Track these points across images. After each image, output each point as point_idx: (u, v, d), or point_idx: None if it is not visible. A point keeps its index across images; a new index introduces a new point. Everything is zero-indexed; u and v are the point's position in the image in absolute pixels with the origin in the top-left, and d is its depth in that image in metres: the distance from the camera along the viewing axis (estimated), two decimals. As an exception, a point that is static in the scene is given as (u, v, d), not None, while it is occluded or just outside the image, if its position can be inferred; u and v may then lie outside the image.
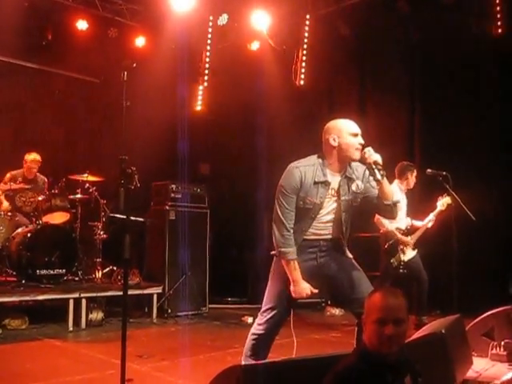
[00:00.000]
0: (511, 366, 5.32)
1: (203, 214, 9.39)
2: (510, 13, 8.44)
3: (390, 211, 4.59)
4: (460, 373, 4.68)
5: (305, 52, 10.62)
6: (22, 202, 8.73)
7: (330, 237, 4.54)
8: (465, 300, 6.40)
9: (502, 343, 5.51)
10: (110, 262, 9.13)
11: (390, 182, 7.52)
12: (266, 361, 3.99)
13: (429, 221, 7.56)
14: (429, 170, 6.90)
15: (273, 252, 4.53)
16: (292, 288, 4.36)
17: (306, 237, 4.48)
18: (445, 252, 6.81)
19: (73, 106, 11.31)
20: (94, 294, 7.87)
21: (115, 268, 8.97)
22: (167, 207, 8.98)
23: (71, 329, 7.49)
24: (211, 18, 10.89)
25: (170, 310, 8.64)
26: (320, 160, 4.52)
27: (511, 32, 8.42)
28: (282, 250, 4.40)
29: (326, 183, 4.46)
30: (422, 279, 7.50)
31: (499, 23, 8.49)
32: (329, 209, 4.51)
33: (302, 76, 10.62)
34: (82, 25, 10.51)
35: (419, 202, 8.00)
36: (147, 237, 9.40)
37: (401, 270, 7.39)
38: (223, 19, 10.59)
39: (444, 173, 6.81)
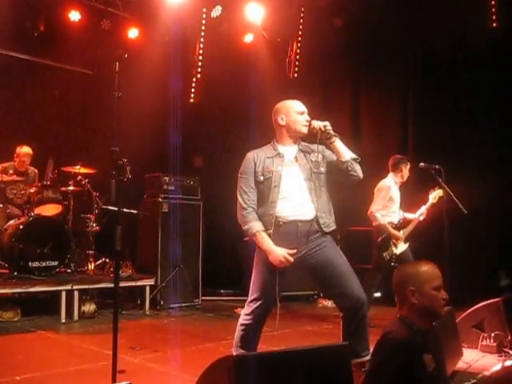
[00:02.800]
0: (501, 358, 5.38)
1: (196, 206, 9.39)
2: (505, 7, 8.45)
3: (350, 170, 4.59)
4: (450, 364, 4.73)
5: (299, 44, 10.62)
6: (13, 194, 8.72)
7: (306, 218, 4.51)
8: (456, 292, 6.43)
9: (492, 335, 5.59)
10: (102, 254, 9.14)
11: (384, 175, 7.63)
12: (258, 352, 4.01)
13: (420, 214, 7.58)
14: (421, 164, 6.92)
15: (245, 238, 4.62)
16: (269, 258, 4.40)
17: (279, 217, 4.47)
18: (436, 245, 6.85)
19: (65, 98, 11.27)
20: (86, 286, 7.87)
21: (108, 260, 8.98)
22: (160, 199, 8.98)
23: (64, 321, 7.48)
24: (205, 9, 10.86)
25: (162, 302, 8.65)
26: (272, 142, 4.78)
27: (507, 26, 8.43)
28: (245, 227, 4.52)
29: (279, 155, 4.65)
30: (413, 272, 7.52)
31: (494, 17, 8.49)
32: (291, 175, 4.58)
33: (296, 68, 10.63)
34: (74, 16, 10.45)
35: (412, 195, 8.01)
36: (140, 229, 9.40)
37: (392, 264, 7.40)
38: (217, 11, 10.57)
39: (437, 166, 6.84)
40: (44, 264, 8.02)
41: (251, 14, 10.40)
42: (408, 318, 3.29)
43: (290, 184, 4.54)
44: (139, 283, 8.57)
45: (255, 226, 4.49)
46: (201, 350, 6.14)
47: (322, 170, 4.67)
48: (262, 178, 4.56)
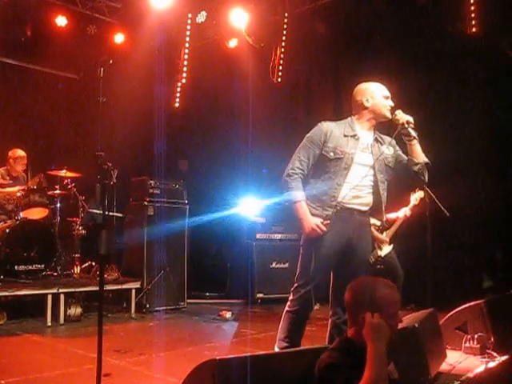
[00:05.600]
0: (484, 359, 5.43)
1: (182, 210, 9.41)
2: (484, 11, 8.54)
3: (419, 173, 4.61)
4: (434, 366, 4.79)
5: (283, 50, 10.68)
6: (5, 199, 8.67)
7: (365, 208, 4.57)
8: (439, 294, 6.51)
9: (475, 336, 5.63)
10: (88, 257, 9.14)
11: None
12: (242, 355, 4.09)
13: (402, 216, 7.62)
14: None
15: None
16: (303, 225, 4.44)
17: (341, 199, 4.46)
18: (419, 247, 6.91)
19: (51, 102, 11.27)
20: (72, 290, 7.86)
21: (94, 263, 8.98)
22: (145, 203, 8.98)
23: (49, 324, 7.46)
24: (190, 15, 10.91)
25: (148, 305, 8.65)
26: (349, 119, 4.69)
27: (486, 31, 8.53)
28: (286, 192, 4.52)
29: (355, 137, 4.57)
30: (398, 274, 7.56)
31: (473, 22, 8.59)
32: (362, 162, 4.54)
33: (280, 73, 10.69)
34: (61, 21, 10.49)
35: (393, 197, 8.06)
36: (126, 232, 9.41)
37: (378, 266, 7.44)
38: (202, 16, 10.62)
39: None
40: (30, 267, 8.02)
41: (235, 19, 10.45)
42: (353, 340, 3.07)
43: (360, 170, 4.52)
44: (125, 286, 8.57)
45: (297, 195, 4.49)
46: (186, 353, 6.14)
47: (391, 164, 4.70)
48: (332, 154, 4.51)
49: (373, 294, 3.06)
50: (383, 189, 4.62)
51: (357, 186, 4.49)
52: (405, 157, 4.71)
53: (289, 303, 4.63)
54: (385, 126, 4.82)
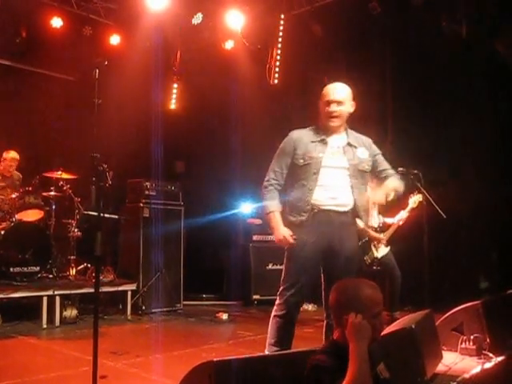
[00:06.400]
0: (480, 360, 5.44)
1: (178, 212, 9.41)
2: (477, 12, 8.55)
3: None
4: (430, 367, 4.78)
5: (279, 51, 10.68)
6: (0, 200, 8.64)
7: (343, 209, 4.56)
8: (436, 295, 6.52)
9: (471, 337, 5.64)
10: (84, 259, 9.12)
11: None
12: (239, 356, 4.08)
13: (400, 219, 7.65)
14: (400, 169, 6.97)
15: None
16: (274, 235, 4.55)
17: (316, 204, 4.49)
18: (416, 249, 6.92)
19: (47, 104, 11.24)
20: (68, 292, 7.86)
21: (89, 265, 8.94)
22: (141, 204, 8.98)
23: (45, 326, 7.46)
24: (186, 16, 10.89)
25: (144, 307, 8.64)
26: (317, 124, 4.72)
27: (480, 32, 8.54)
28: (263, 204, 4.62)
29: (323, 141, 4.60)
30: (395, 275, 7.58)
31: (466, 24, 8.59)
32: (334, 164, 4.56)
33: (276, 75, 10.68)
34: (56, 22, 10.44)
35: (391, 200, 8.08)
36: (122, 234, 9.39)
37: (374, 267, 7.45)
38: (198, 18, 10.59)
39: (415, 171, 6.94)
40: (25, 269, 8.00)
41: (232, 21, 10.43)
42: (340, 342, 3.05)
43: (330, 174, 4.54)
44: (121, 288, 8.56)
45: (270, 206, 4.59)
46: (183, 355, 6.13)
47: (367, 168, 4.70)
48: (301, 161, 4.55)
49: (355, 294, 3.06)
50: (357, 193, 4.61)
51: (332, 188, 4.53)
52: (382, 166, 4.78)
53: (275, 307, 4.65)
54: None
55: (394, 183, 4.64)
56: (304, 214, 4.49)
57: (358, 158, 4.62)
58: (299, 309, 4.68)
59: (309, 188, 4.50)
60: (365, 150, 4.69)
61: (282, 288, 4.63)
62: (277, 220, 4.55)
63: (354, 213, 4.60)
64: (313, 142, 4.59)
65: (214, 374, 2.98)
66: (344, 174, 4.56)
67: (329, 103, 4.60)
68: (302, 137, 4.63)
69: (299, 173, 4.56)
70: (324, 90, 4.69)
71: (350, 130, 4.77)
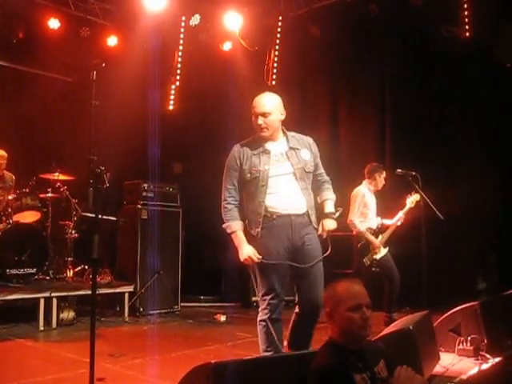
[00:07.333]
0: (477, 361, 5.44)
1: (175, 213, 9.40)
2: (477, 16, 8.56)
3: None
4: (428, 368, 4.78)
5: (277, 53, 10.68)
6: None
7: (299, 212, 4.56)
8: (434, 297, 6.51)
9: (469, 338, 5.64)
10: (81, 261, 9.10)
11: (359, 182, 7.72)
12: (237, 359, 4.07)
13: (398, 219, 7.66)
14: (399, 170, 7.02)
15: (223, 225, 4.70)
16: (239, 254, 4.54)
17: (272, 212, 4.50)
18: (414, 250, 6.92)
19: (44, 105, 11.23)
20: (65, 293, 7.83)
21: (86, 267, 8.94)
22: (139, 206, 8.97)
23: (42, 328, 7.43)
24: (183, 18, 10.89)
25: (141, 309, 8.62)
26: (254, 135, 4.71)
27: (479, 35, 8.55)
28: (224, 225, 4.66)
29: (265, 151, 4.60)
30: (394, 277, 7.57)
31: (467, 27, 8.61)
32: (281, 172, 4.57)
33: (274, 76, 10.68)
34: (53, 23, 10.44)
35: (389, 201, 8.09)
36: (119, 236, 9.38)
37: (373, 269, 7.46)
38: (195, 19, 10.59)
39: (413, 173, 6.95)
40: (22, 271, 8.00)
41: (229, 22, 10.44)
42: (335, 340, 3.14)
43: (278, 181, 4.54)
44: (118, 290, 8.55)
45: (232, 225, 4.61)
46: (180, 357, 6.12)
47: (311, 168, 4.71)
48: (249, 176, 4.57)
49: (333, 289, 3.19)
50: (307, 195, 4.63)
51: (283, 194, 4.54)
52: (319, 169, 4.83)
53: (259, 314, 4.66)
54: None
55: (329, 223, 4.68)
56: (259, 226, 4.52)
57: (303, 159, 4.64)
58: (282, 308, 4.67)
59: (259, 201, 4.52)
60: (307, 150, 4.71)
61: (260, 296, 4.66)
62: (239, 239, 4.57)
63: (308, 214, 4.61)
64: (255, 154, 4.60)
65: (212, 375, 2.97)
66: (291, 179, 4.58)
67: (256, 116, 4.62)
68: (244, 150, 4.64)
69: (249, 186, 4.59)
70: (253, 101, 4.71)
71: (289, 133, 4.77)
